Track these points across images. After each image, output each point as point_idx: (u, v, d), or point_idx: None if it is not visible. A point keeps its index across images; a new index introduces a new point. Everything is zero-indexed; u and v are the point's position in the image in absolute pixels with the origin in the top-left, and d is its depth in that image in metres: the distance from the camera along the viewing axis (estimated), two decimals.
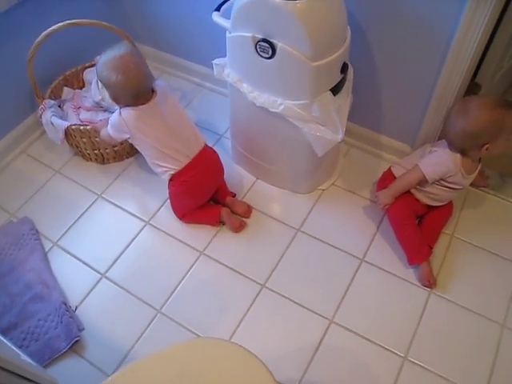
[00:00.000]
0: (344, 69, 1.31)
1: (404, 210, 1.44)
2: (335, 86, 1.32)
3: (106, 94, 1.65)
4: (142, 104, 1.36)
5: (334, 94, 1.32)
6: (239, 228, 1.53)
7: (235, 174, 1.68)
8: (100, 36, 1.58)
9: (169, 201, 1.57)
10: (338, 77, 1.32)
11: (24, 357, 1.06)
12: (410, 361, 1.29)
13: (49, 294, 1.42)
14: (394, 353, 1.30)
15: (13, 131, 1.74)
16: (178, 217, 1.56)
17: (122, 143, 1.65)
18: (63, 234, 1.55)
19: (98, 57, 1.67)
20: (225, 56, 1.39)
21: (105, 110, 1.72)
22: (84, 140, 1.61)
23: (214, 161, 1.51)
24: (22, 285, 1.44)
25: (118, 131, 1.40)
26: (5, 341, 1.01)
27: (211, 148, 1.51)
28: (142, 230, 1.55)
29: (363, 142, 1.72)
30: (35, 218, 1.59)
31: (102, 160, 1.71)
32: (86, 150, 1.66)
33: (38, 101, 1.65)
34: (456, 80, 1.38)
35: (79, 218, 1.59)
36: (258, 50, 1.24)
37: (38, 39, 1.50)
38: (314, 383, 1.27)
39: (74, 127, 1.57)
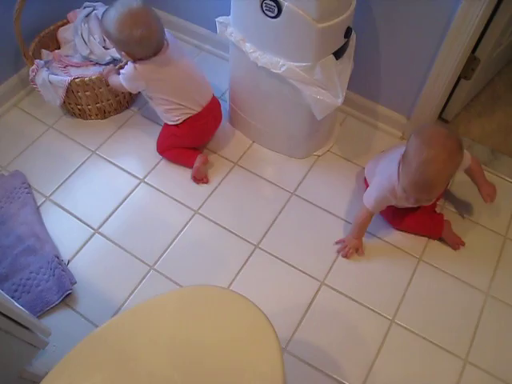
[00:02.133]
0: (348, 33, 1.30)
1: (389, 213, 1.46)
2: (338, 50, 1.31)
3: (95, 47, 1.66)
4: (155, 55, 1.38)
5: (337, 58, 1.32)
6: (200, 179, 1.56)
7: (231, 136, 1.68)
8: None
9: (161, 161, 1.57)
10: (341, 41, 1.31)
11: (17, 305, 1.07)
12: (398, 323, 1.32)
13: (41, 247, 1.41)
14: (382, 315, 1.33)
15: (4, 83, 1.70)
16: (158, 151, 1.59)
17: (122, 91, 1.62)
18: (56, 189, 1.54)
19: (77, 12, 1.68)
20: (227, 16, 1.38)
21: (95, 64, 1.69)
22: (87, 93, 1.58)
23: (218, 111, 1.57)
24: (13, 237, 1.43)
25: (134, 84, 1.44)
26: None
27: (216, 98, 1.55)
28: (136, 187, 1.55)
29: (360, 111, 1.72)
30: (27, 173, 1.57)
31: (103, 114, 1.69)
32: (87, 105, 1.63)
33: (27, 62, 1.58)
34: (456, 53, 1.38)
35: (73, 173, 1.57)
36: (264, 8, 1.22)
37: None
38: (304, 342, 1.29)
39: (77, 80, 1.53)
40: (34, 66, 1.57)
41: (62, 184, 1.55)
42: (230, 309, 0.91)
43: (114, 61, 1.67)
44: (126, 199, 1.52)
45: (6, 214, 1.48)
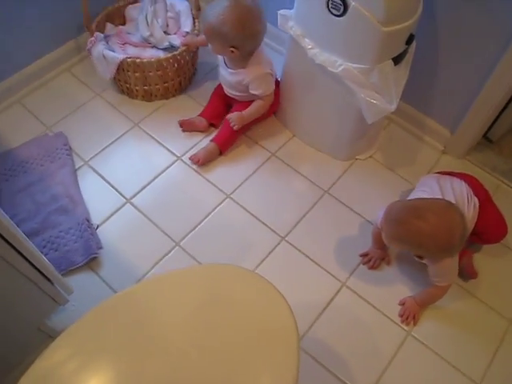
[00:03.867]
0: (410, 40, 1.29)
1: None
2: (398, 55, 1.30)
3: (156, 30, 1.67)
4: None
5: (395, 64, 1.30)
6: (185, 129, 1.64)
7: (272, 126, 1.68)
8: None
9: (202, 141, 1.61)
10: (402, 47, 1.30)
11: (44, 258, 1.09)
12: (414, 336, 1.30)
13: (73, 208, 1.44)
14: (401, 327, 1.32)
15: (60, 48, 1.73)
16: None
17: (172, 79, 1.66)
18: (95, 155, 1.57)
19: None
20: (289, 9, 1.38)
21: (152, 46, 1.70)
22: (136, 74, 1.60)
23: None
24: (48, 195, 1.47)
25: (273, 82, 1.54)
26: (30, 242, 1.03)
27: None
28: (173, 164, 1.56)
29: (404, 119, 1.69)
30: (70, 136, 1.60)
31: (150, 96, 1.70)
32: (135, 85, 1.65)
33: (88, 32, 1.62)
34: (511, 72, 1.36)
35: (113, 142, 1.60)
36: (330, 5, 1.22)
37: None
38: (317, 340, 1.29)
39: (129, 60, 1.55)
40: (92, 38, 1.60)
41: (101, 151, 1.58)
42: (253, 291, 0.91)
43: (172, 47, 1.67)
44: (161, 174, 1.54)
45: (45, 173, 1.51)
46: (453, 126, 1.60)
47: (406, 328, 1.31)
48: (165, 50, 1.68)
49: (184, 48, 1.62)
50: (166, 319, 0.88)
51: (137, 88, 1.66)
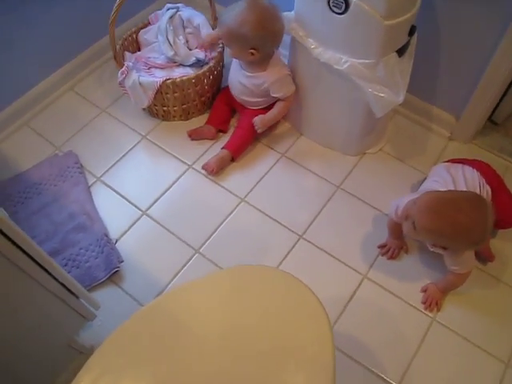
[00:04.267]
0: (412, 31, 1.31)
1: None
2: (401, 47, 1.32)
3: (180, 48, 1.68)
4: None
5: (399, 56, 1.32)
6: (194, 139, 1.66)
7: (279, 127, 1.70)
8: None
9: (212, 147, 1.63)
10: (405, 39, 1.31)
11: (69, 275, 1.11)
12: (439, 322, 1.32)
13: (91, 225, 1.45)
14: (425, 314, 1.33)
15: (61, 69, 1.75)
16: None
17: (208, 92, 1.67)
18: (107, 171, 1.58)
19: (158, 14, 1.72)
20: (288, 11, 1.40)
21: (178, 65, 1.69)
22: (176, 95, 1.59)
23: None
24: (65, 214, 1.48)
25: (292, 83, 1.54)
26: (53, 260, 1.05)
27: None
28: (184, 172, 1.58)
29: (409, 109, 1.70)
30: (80, 153, 1.61)
31: (187, 115, 1.70)
32: (174, 106, 1.64)
33: (116, 65, 1.59)
34: (511, 54, 1.37)
35: (123, 156, 1.62)
36: (331, 4, 1.23)
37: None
38: (344, 334, 1.30)
39: (168, 81, 1.54)
40: (123, 69, 1.56)
41: (112, 166, 1.59)
42: (281, 288, 0.92)
43: (199, 62, 1.67)
44: (174, 184, 1.56)
45: (59, 192, 1.53)
46: (458, 112, 1.62)
47: (430, 314, 1.33)
48: (191, 66, 1.68)
49: (215, 59, 1.62)
50: (197, 329, 0.88)
51: (175, 108, 1.65)
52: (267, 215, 1.49)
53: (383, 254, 1.42)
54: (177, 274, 1.39)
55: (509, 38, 1.33)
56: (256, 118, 1.56)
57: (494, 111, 1.66)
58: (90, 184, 1.56)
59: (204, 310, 0.90)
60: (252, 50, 1.42)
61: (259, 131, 1.56)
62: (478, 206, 1.15)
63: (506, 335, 1.30)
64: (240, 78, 1.56)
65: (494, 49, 1.38)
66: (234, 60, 1.57)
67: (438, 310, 1.34)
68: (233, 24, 1.40)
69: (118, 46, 1.61)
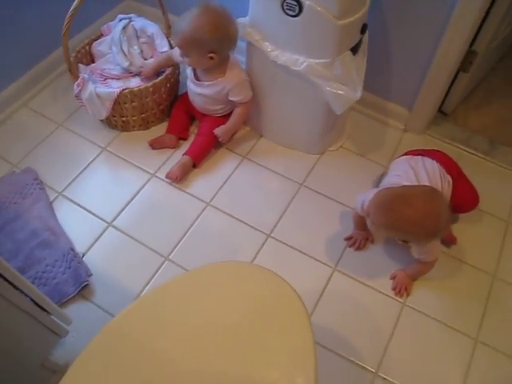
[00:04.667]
0: (364, 29, 1.35)
1: None
2: (355, 45, 1.36)
3: (135, 58, 1.67)
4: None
5: (353, 54, 1.36)
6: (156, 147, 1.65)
7: (240, 130, 1.71)
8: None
9: (173, 154, 1.63)
10: (357, 37, 1.36)
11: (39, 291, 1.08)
12: (410, 306, 1.36)
13: (56, 240, 1.42)
14: (396, 300, 1.37)
15: (13, 84, 1.71)
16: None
17: (166, 100, 1.67)
18: (68, 185, 1.55)
19: (111, 25, 1.71)
20: (243, 17, 1.42)
21: (135, 75, 1.69)
22: (134, 104, 1.58)
23: None
24: (28, 232, 1.44)
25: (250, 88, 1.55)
26: (23, 278, 1.02)
27: None
28: (148, 181, 1.57)
29: (362, 105, 1.74)
30: (39, 169, 1.58)
31: (147, 124, 1.69)
32: (132, 116, 1.63)
33: (72, 78, 1.56)
34: (455, 46, 1.44)
35: (84, 169, 1.59)
36: (285, 7, 1.26)
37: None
38: (319, 326, 1.31)
39: (126, 91, 1.53)
40: (79, 81, 1.54)
41: (74, 180, 1.57)
42: (255, 280, 0.93)
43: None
44: (138, 193, 1.54)
45: (19, 210, 1.49)
46: (410, 105, 1.68)
47: (400, 300, 1.37)
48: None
49: (173, 65, 1.63)
50: (169, 334, 0.87)
51: (134, 118, 1.64)
52: (234, 217, 1.50)
53: (350, 246, 1.45)
54: (148, 283, 1.37)
55: (452, 31, 1.40)
56: (217, 129, 1.57)
57: (443, 103, 1.73)
58: (51, 199, 1.52)
59: (181, 310, 0.90)
60: (211, 54, 1.43)
61: (224, 142, 1.58)
62: (430, 199, 1.19)
63: (473, 313, 1.35)
64: (200, 91, 1.57)
65: (439, 42, 1.45)
66: (189, 76, 1.58)
67: (408, 295, 1.38)
68: (188, 30, 1.40)
69: (71, 59, 1.58)
